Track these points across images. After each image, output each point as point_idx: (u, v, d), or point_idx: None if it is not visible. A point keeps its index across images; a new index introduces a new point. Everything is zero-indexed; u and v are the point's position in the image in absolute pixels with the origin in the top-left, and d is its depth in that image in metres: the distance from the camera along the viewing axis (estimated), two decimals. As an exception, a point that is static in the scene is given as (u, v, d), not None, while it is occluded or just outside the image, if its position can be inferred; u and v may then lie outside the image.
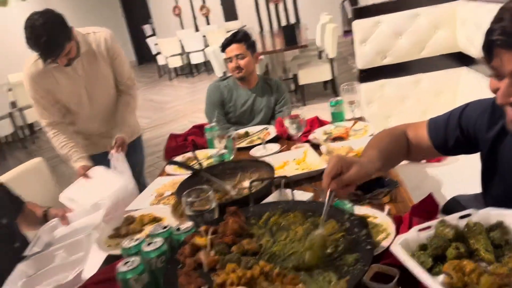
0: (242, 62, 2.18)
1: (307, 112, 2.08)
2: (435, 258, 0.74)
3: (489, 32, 0.76)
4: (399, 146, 1.08)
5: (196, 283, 0.85)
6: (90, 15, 10.59)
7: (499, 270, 0.66)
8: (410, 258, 0.72)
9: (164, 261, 0.98)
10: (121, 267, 0.93)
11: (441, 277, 0.69)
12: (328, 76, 5.04)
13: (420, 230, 0.80)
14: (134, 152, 2.18)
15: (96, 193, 1.59)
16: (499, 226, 0.77)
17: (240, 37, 2.18)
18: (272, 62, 5.77)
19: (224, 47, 2.22)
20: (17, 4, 7.71)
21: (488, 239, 0.75)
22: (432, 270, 0.72)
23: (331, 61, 5.02)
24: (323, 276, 0.81)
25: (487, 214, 0.80)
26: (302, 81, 5.05)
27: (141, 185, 2.03)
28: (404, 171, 1.95)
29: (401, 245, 0.76)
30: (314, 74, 5.03)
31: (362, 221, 0.93)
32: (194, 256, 0.94)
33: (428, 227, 0.80)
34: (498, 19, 0.75)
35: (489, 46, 0.77)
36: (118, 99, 2.09)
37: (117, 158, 1.89)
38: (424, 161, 1.99)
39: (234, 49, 2.18)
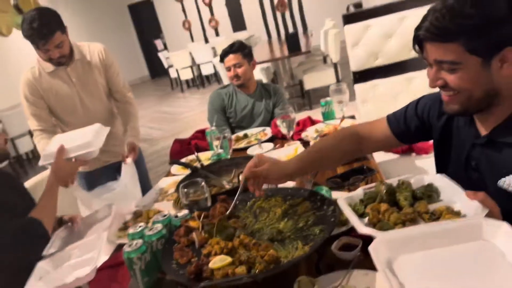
0: (239, 71, 2.35)
1: (314, 115, 2.21)
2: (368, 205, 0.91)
3: (417, 29, 0.92)
4: (343, 147, 1.22)
5: (187, 256, 1.01)
6: (102, 32, 11.00)
7: (406, 211, 0.82)
8: (347, 206, 0.88)
9: (163, 244, 1.14)
10: (127, 248, 1.09)
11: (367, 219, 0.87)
12: (332, 80, 5.16)
13: (364, 189, 0.96)
14: (136, 165, 2.27)
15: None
16: (428, 186, 0.92)
17: (236, 47, 2.36)
18: (279, 69, 5.94)
19: (221, 58, 2.39)
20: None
21: (412, 193, 0.90)
22: (363, 215, 0.89)
23: (335, 65, 5.16)
24: (292, 244, 0.95)
25: (421, 177, 0.96)
26: (307, 86, 5.20)
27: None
28: (395, 163, 2.10)
29: (346, 199, 0.92)
30: (319, 78, 5.17)
31: (331, 200, 1.07)
32: (188, 236, 1.10)
33: (372, 187, 0.96)
34: (423, 19, 0.90)
35: (418, 40, 0.92)
36: (118, 110, 2.19)
37: (129, 165, 1.96)
38: (413, 154, 2.11)
39: (231, 59, 2.35)
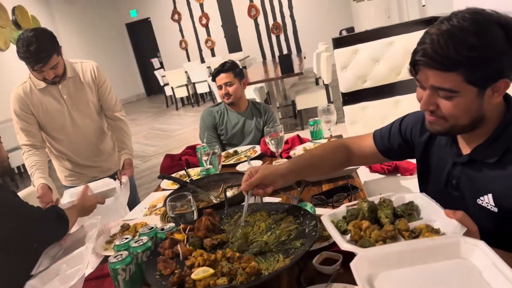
0: (230, 89, 2.41)
1: (305, 135, 2.25)
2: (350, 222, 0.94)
3: (414, 52, 0.93)
4: (334, 156, 1.27)
5: (171, 267, 1.03)
6: (100, 49, 11.14)
7: (387, 228, 0.85)
8: (330, 223, 0.92)
9: (148, 256, 1.15)
10: (112, 259, 1.11)
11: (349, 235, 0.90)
12: (324, 101, 5.25)
13: (347, 206, 1.01)
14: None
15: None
16: (408, 204, 0.96)
17: (228, 67, 2.42)
18: (272, 89, 6.03)
19: (214, 76, 2.45)
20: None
21: (393, 210, 0.95)
22: (345, 232, 0.93)
23: (327, 87, 5.26)
24: (273, 257, 0.98)
25: (403, 196, 1.00)
26: (300, 106, 5.28)
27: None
28: (380, 182, 2.14)
29: (329, 216, 0.96)
30: (311, 99, 5.26)
31: (313, 215, 1.10)
32: (172, 248, 1.11)
33: (355, 204, 0.99)
34: (421, 42, 0.91)
35: (414, 63, 0.93)
36: (110, 128, 2.21)
37: (125, 181, 1.99)
38: (399, 174, 2.16)
39: (223, 78, 2.41)
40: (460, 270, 0.77)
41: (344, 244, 0.83)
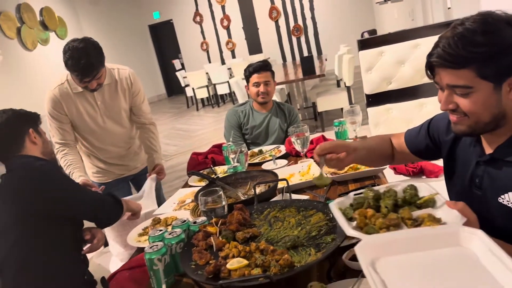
0: (269, 89, 2.45)
1: (326, 136, 2.26)
2: (356, 210, 0.99)
3: (429, 55, 0.97)
4: (383, 148, 1.34)
5: (206, 258, 1.07)
6: (124, 50, 11.36)
7: (391, 217, 0.90)
8: (337, 210, 0.97)
9: (182, 247, 1.20)
10: (148, 249, 1.16)
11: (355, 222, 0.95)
12: (345, 103, 5.24)
13: (355, 194, 1.06)
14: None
15: None
16: (410, 185, 1.01)
17: (269, 66, 2.47)
18: (293, 91, 6.06)
19: (252, 73, 2.44)
20: (57, 42, 8.47)
21: (394, 201, 0.98)
22: (352, 219, 0.97)
23: (348, 89, 5.25)
24: (305, 251, 1.01)
25: (406, 185, 1.03)
26: (320, 108, 5.28)
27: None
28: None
29: (338, 203, 1.01)
30: (332, 101, 5.26)
31: (343, 212, 1.13)
32: (206, 240, 1.16)
33: (362, 193, 1.05)
34: (435, 45, 0.96)
35: (431, 66, 0.98)
36: (140, 135, 2.27)
37: (152, 182, 2.04)
38: (424, 176, 2.15)
39: (264, 76, 2.42)
40: (458, 256, 0.79)
41: (350, 231, 0.88)
